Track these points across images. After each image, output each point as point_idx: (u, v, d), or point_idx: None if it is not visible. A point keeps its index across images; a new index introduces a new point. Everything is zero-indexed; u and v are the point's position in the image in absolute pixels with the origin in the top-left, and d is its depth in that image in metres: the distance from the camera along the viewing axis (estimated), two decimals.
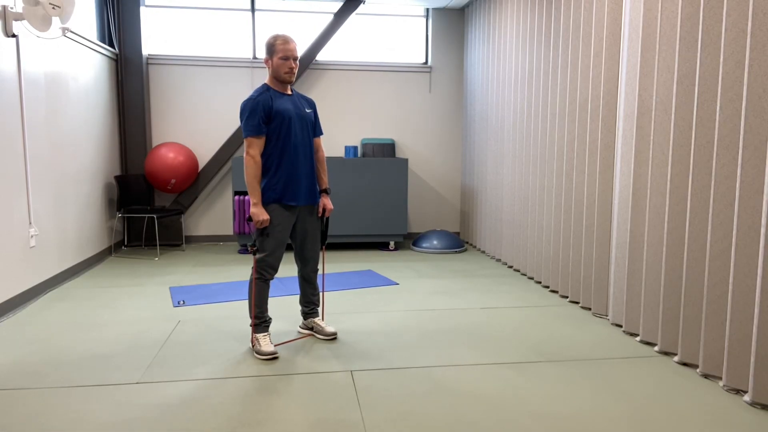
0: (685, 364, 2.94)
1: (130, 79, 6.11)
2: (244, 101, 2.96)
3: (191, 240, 6.61)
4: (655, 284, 3.20)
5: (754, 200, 2.47)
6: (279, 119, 2.97)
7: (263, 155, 3.01)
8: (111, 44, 5.96)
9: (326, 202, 3.25)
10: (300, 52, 6.42)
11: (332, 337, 3.30)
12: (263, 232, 3.00)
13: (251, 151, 2.94)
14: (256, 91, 3.00)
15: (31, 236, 4.11)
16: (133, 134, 6.20)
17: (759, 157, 2.44)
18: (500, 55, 5.51)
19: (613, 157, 3.69)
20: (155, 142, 6.42)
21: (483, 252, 6.14)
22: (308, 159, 3.11)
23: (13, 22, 3.84)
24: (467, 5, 6.62)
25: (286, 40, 2.97)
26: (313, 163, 3.15)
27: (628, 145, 3.39)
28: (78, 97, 5.04)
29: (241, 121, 2.97)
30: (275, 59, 2.98)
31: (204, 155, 6.51)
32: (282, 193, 3.02)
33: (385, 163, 6.05)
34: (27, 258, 4.07)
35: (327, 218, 3.32)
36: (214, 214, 6.63)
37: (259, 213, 2.94)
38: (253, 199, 2.95)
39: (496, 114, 5.64)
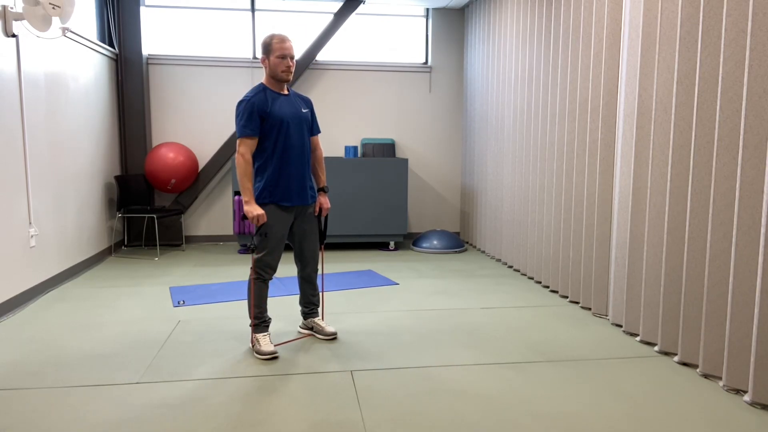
0: (685, 364, 2.94)
1: (130, 79, 6.11)
2: (240, 101, 2.95)
3: (191, 240, 6.61)
4: (655, 284, 3.20)
5: (754, 200, 2.47)
6: (274, 121, 2.96)
7: (259, 156, 3.01)
8: (111, 44, 5.96)
9: (323, 200, 3.24)
10: (300, 52, 6.42)
11: (332, 337, 3.30)
12: (261, 231, 3.00)
13: (242, 150, 2.93)
14: (252, 90, 2.98)
15: (31, 236, 4.11)
16: (133, 134, 6.20)
17: (759, 157, 2.44)
18: (500, 55, 5.51)
19: (613, 157, 3.69)
20: (155, 142, 6.42)
21: (483, 252, 6.14)
22: (304, 159, 3.10)
23: (13, 22, 3.84)
24: (467, 5, 6.62)
25: (282, 39, 2.96)
26: (309, 163, 3.14)
27: (628, 145, 3.39)
28: (78, 97, 5.04)
29: (236, 120, 2.96)
30: (272, 58, 2.97)
31: (204, 155, 6.51)
32: (278, 194, 3.01)
33: (385, 163, 6.05)
34: (27, 258, 4.07)
35: (325, 217, 3.31)
36: (214, 214, 6.63)
37: (251, 209, 2.92)
38: (245, 197, 2.94)
39: (496, 114, 5.64)
